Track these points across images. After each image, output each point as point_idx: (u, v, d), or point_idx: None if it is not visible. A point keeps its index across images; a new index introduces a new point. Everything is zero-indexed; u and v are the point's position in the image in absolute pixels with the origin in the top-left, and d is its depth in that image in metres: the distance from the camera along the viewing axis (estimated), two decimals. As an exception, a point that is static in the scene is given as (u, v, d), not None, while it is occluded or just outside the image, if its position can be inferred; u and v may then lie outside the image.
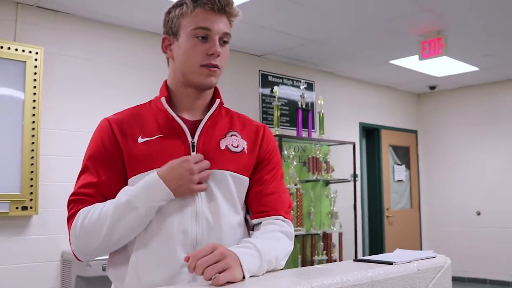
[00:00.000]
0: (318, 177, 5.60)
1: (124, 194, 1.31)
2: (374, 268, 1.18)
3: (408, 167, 7.89)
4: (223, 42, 1.41)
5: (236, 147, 1.43)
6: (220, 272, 1.08)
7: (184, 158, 1.32)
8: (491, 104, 7.38)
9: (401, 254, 1.39)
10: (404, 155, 7.86)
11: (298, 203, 5.35)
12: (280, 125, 5.76)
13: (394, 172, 7.64)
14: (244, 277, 1.13)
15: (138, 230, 1.32)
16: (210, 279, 1.08)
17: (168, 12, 1.44)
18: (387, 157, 7.53)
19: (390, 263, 1.24)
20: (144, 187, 1.30)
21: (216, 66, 1.39)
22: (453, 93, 7.76)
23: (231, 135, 1.45)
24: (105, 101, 4.41)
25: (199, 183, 1.33)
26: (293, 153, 5.45)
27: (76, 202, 1.35)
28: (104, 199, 1.35)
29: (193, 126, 1.42)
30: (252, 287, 1.09)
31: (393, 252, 1.45)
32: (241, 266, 1.13)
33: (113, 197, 1.34)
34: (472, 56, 5.94)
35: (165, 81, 1.50)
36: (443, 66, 6.26)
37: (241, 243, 1.28)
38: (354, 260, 1.33)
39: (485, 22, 4.78)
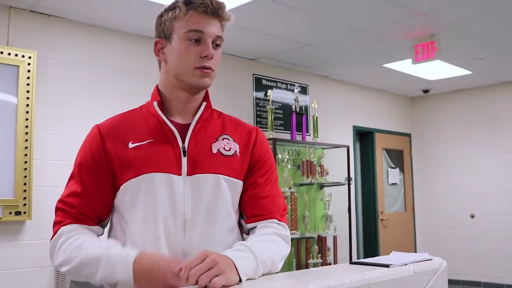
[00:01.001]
0: (312, 181, 5.60)
1: (102, 247, 1.29)
2: (370, 270, 1.18)
3: (402, 170, 7.91)
4: (216, 45, 1.41)
5: (228, 150, 1.43)
6: None
7: (172, 275, 1.19)
8: (484, 107, 7.41)
9: (397, 257, 1.39)
10: (398, 158, 7.88)
11: (293, 206, 5.35)
12: (274, 129, 5.76)
13: (388, 176, 7.65)
14: (240, 280, 1.12)
15: (105, 280, 1.30)
16: (205, 287, 1.06)
17: (161, 16, 1.44)
18: (381, 161, 7.55)
19: (387, 266, 1.24)
20: (116, 262, 1.25)
21: (209, 68, 1.39)
22: (447, 97, 7.80)
23: (223, 139, 1.44)
24: (99, 105, 4.40)
25: None
26: (287, 156, 5.45)
27: (62, 211, 1.37)
28: (87, 209, 1.35)
29: (183, 129, 1.42)
30: (248, 290, 1.08)
31: (389, 255, 1.45)
32: (236, 269, 1.12)
33: (97, 206, 1.36)
34: (464, 60, 5.97)
35: (157, 86, 1.49)
36: (436, 70, 6.28)
37: (235, 246, 1.27)
38: (350, 263, 1.33)
39: (477, 26, 4.81)
